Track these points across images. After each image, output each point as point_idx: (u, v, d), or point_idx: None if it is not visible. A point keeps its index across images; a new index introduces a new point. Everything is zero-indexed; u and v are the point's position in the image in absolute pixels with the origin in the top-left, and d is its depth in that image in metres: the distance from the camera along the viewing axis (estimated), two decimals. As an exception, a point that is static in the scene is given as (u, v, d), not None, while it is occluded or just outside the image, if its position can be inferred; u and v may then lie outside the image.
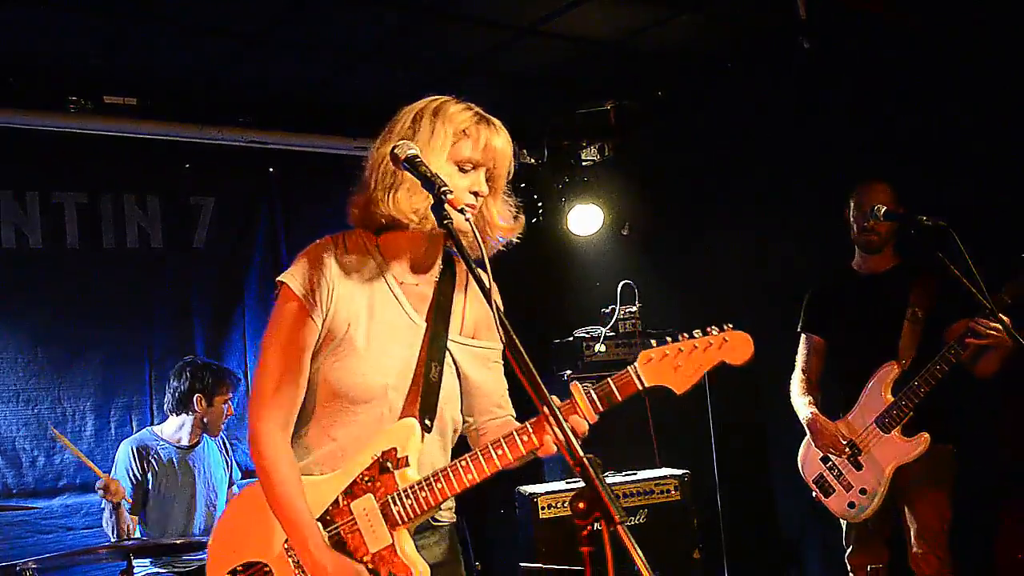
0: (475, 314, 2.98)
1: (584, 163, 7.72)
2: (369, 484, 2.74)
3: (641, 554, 2.06)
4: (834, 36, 5.75)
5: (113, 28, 5.50)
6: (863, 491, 4.93)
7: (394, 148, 2.61)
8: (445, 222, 2.48)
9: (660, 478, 5.97)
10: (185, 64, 6.07)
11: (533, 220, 7.47)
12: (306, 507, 2.74)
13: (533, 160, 7.59)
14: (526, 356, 2.30)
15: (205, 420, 5.66)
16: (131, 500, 5.36)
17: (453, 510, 3.01)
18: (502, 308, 2.43)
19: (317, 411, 2.83)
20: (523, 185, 7.37)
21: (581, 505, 2.31)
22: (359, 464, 2.77)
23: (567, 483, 5.92)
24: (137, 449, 5.54)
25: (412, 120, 2.81)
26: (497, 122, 2.85)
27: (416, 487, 2.71)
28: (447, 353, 2.87)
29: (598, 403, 2.67)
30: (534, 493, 5.75)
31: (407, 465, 2.72)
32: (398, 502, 2.71)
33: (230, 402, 5.71)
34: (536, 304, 7.25)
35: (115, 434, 6.14)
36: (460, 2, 5.56)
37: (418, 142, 2.70)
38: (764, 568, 6.77)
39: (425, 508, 2.70)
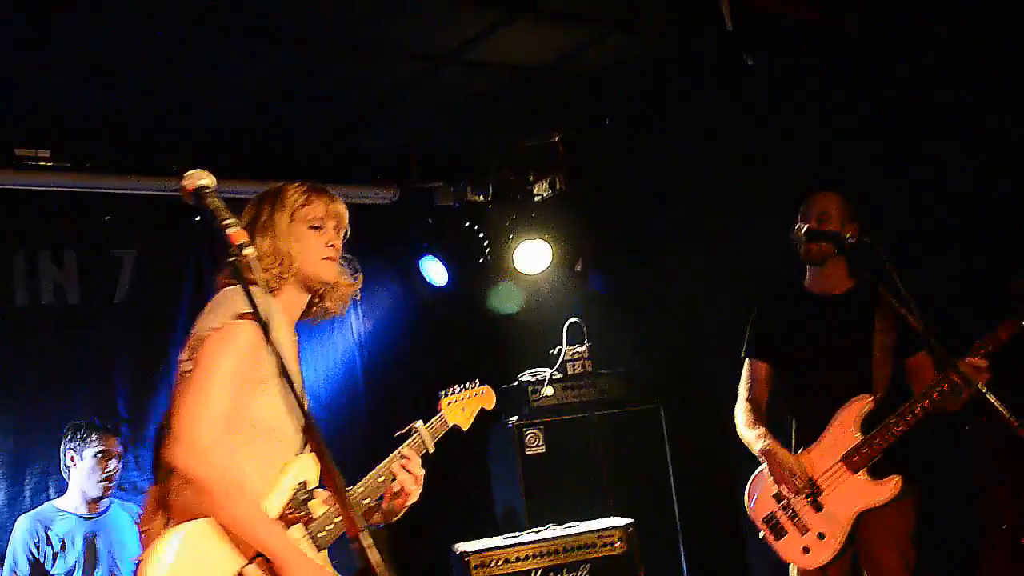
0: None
1: (535, 198, 7.39)
2: (294, 515, 2.94)
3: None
4: (774, 46, 5.44)
5: (21, 75, 5.26)
6: (821, 535, 4.46)
7: (183, 179, 2.67)
8: (230, 259, 2.45)
9: (603, 530, 5.57)
10: (99, 111, 5.80)
11: (480, 260, 7.16)
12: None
13: (479, 197, 7.27)
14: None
15: (84, 479, 5.29)
16: None
17: None
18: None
19: (242, 446, 2.91)
20: (467, 224, 7.11)
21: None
22: (281, 498, 2.94)
23: (504, 539, 5.52)
24: (34, 524, 5.21)
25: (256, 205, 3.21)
26: (330, 191, 3.27)
27: (331, 514, 3.00)
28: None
29: (432, 438, 3.44)
30: (465, 552, 5.36)
31: (315, 497, 3.00)
32: (321, 529, 2.97)
33: (114, 457, 5.35)
34: (484, 347, 6.97)
35: (30, 503, 5.77)
36: (373, 34, 5.26)
37: (268, 225, 3.12)
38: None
39: (342, 532, 2.95)
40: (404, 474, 3.21)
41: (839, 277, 4.66)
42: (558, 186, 7.34)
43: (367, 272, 7.04)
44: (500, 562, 5.35)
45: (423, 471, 3.27)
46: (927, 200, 5.14)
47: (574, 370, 6.54)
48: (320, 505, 3.02)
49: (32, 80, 5.34)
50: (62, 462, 5.40)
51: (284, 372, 2.43)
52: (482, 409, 6.72)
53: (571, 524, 5.62)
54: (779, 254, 4.88)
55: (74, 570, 5.22)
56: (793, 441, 4.69)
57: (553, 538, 5.48)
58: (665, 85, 6.19)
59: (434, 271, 7.05)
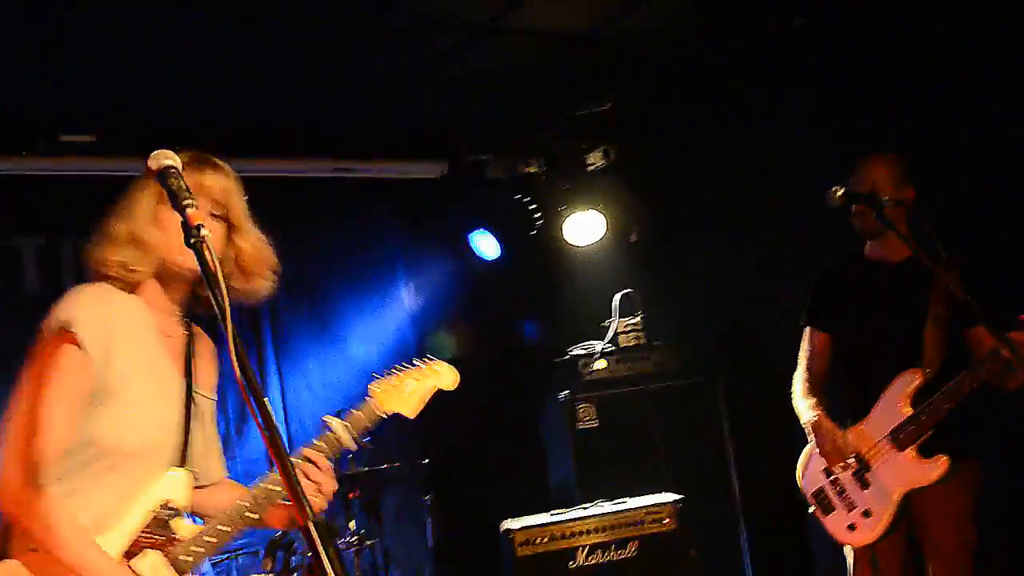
0: (203, 366, 2.97)
1: (588, 167, 7.23)
2: (151, 539, 2.69)
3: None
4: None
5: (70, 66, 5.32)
6: (867, 513, 4.25)
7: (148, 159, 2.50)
8: (192, 240, 2.28)
9: (652, 506, 5.42)
10: (139, 97, 5.83)
11: (531, 232, 7.04)
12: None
13: (531, 169, 7.14)
14: (270, 411, 2.16)
15: None
16: None
17: None
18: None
19: (78, 470, 2.65)
20: (518, 196, 7.01)
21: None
22: (135, 521, 2.68)
23: (550, 516, 5.41)
24: None
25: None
26: (214, 161, 2.88)
27: (201, 534, 2.72)
28: (193, 405, 2.87)
29: (354, 431, 2.88)
30: (510, 529, 5.27)
31: (181, 516, 2.76)
32: (184, 552, 2.70)
33: None
34: (536, 320, 6.89)
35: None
36: (398, 9, 5.16)
37: (126, 207, 2.78)
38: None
39: (211, 554, 2.73)
40: (303, 481, 2.74)
41: (896, 244, 4.35)
42: (612, 156, 7.17)
43: (417, 247, 7.15)
44: (546, 539, 5.24)
45: (331, 478, 2.79)
46: (988, 166, 4.87)
47: (627, 342, 6.39)
48: (185, 526, 2.76)
49: (70, 68, 5.39)
50: None
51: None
52: (523, 384, 6.75)
53: (620, 500, 5.49)
54: (839, 223, 4.65)
55: None
56: (846, 415, 4.49)
57: (600, 515, 5.36)
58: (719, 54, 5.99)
59: (485, 244, 6.96)
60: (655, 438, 6.14)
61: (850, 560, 4.42)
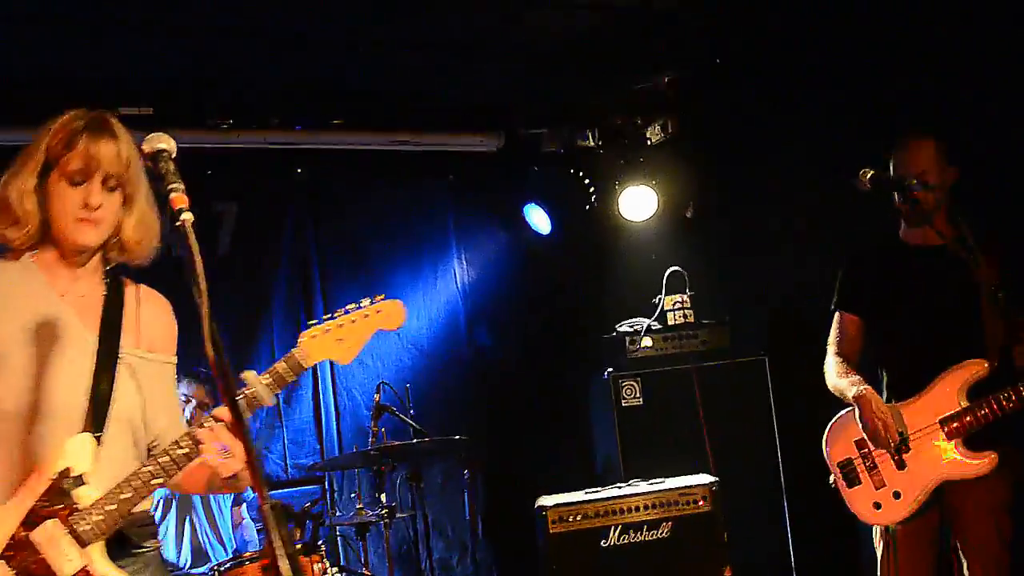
0: (150, 327, 2.92)
1: (647, 142, 7.13)
2: (49, 508, 2.61)
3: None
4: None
5: (123, 38, 5.41)
6: (896, 494, 4.17)
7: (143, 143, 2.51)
8: (176, 224, 2.39)
9: (686, 487, 5.36)
10: (197, 68, 5.91)
11: (585, 207, 6.99)
12: None
13: (588, 143, 7.09)
14: (233, 387, 2.30)
15: None
16: None
17: (156, 536, 2.93)
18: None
19: None
20: (573, 170, 6.97)
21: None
22: (33, 490, 2.62)
23: (585, 494, 5.40)
24: None
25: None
26: (112, 127, 2.77)
27: (101, 502, 2.62)
28: (120, 366, 2.79)
29: (274, 387, 2.72)
30: (544, 506, 5.27)
31: (84, 483, 2.64)
32: (84, 521, 2.61)
33: (199, 407, 5.50)
34: (588, 295, 6.86)
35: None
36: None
37: (14, 174, 2.73)
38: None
39: (113, 523, 2.63)
40: (207, 444, 2.60)
41: (940, 227, 4.28)
42: (670, 130, 7.07)
43: (471, 221, 7.17)
44: (579, 517, 5.23)
45: (236, 438, 2.56)
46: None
47: (675, 320, 6.33)
48: (87, 494, 2.64)
49: (124, 41, 5.47)
50: None
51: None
52: (572, 359, 6.73)
53: (655, 480, 5.44)
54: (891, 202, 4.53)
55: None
56: (883, 394, 4.38)
57: (633, 495, 5.31)
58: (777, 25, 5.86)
59: (538, 219, 6.94)
60: (700, 417, 6.07)
61: (877, 541, 4.35)
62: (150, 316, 2.93)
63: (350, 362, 2.84)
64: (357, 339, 2.81)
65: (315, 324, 2.79)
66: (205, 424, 2.61)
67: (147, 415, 2.84)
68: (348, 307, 2.83)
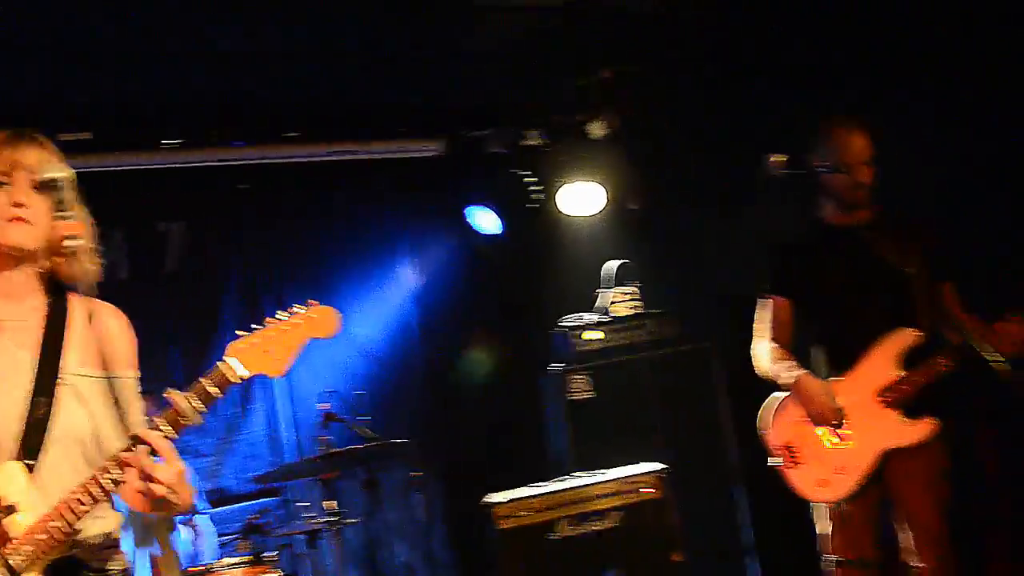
0: (103, 343, 2.78)
1: (590, 138, 7.20)
2: None
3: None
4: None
5: (60, 61, 5.42)
6: (841, 469, 4.23)
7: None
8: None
9: (633, 476, 5.43)
10: (138, 89, 5.95)
11: (532, 206, 7.05)
12: None
13: (532, 142, 7.14)
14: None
15: None
16: None
17: (125, 556, 2.78)
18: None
19: None
20: (517, 170, 7.02)
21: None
22: None
23: (531, 488, 5.45)
24: None
25: None
26: (35, 136, 2.73)
27: (32, 531, 2.51)
28: (63, 387, 2.66)
29: (199, 404, 2.57)
30: (492, 503, 5.32)
31: (15, 511, 2.53)
32: (16, 552, 2.50)
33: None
34: (539, 292, 6.91)
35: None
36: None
37: None
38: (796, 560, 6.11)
39: (47, 550, 2.51)
40: (129, 473, 2.51)
41: (862, 206, 4.42)
42: (613, 126, 7.13)
43: (420, 225, 7.22)
44: (527, 512, 5.28)
45: (169, 463, 2.51)
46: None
47: (623, 312, 6.39)
48: (18, 523, 2.53)
49: (65, 64, 5.50)
50: None
51: None
52: (524, 356, 6.76)
53: (602, 471, 5.50)
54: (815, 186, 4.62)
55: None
56: (822, 371, 4.45)
57: (581, 486, 5.39)
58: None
59: (485, 220, 6.98)
60: (651, 406, 6.13)
61: (819, 517, 4.43)
62: (102, 331, 2.81)
63: (283, 374, 2.68)
64: (286, 350, 2.66)
65: (243, 335, 2.65)
66: (134, 448, 2.51)
67: (101, 435, 2.72)
68: (278, 314, 2.69)
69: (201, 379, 2.58)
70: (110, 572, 2.71)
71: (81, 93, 5.85)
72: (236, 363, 2.60)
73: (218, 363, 2.60)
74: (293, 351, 2.65)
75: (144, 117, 6.29)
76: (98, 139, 6.17)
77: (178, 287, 6.50)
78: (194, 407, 2.54)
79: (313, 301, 2.70)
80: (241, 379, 2.61)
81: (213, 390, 2.57)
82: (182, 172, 6.41)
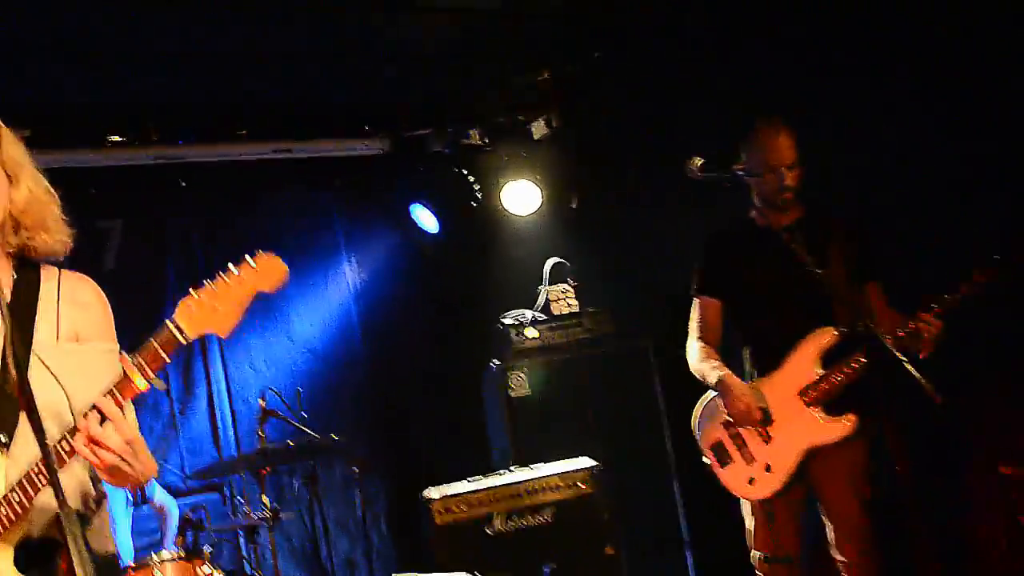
0: (76, 315, 2.74)
1: (531, 137, 7.27)
2: None
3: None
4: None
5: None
6: (768, 467, 4.35)
7: None
8: None
9: (567, 472, 5.54)
10: (77, 87, 5.94)
11: (472, 204, 7.11)
12: None
13: (473, 141, 7.20)
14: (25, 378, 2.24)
15: None
16: None
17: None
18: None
19: None
20: (458, 169, 7.07)
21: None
22: None
23: (467, 483, 5.54)
24: None
25: None
26: None
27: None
28: (32, 361, 2.58)
29: (147, 368, 2.48)
30: (429, 498, 5.40)
31: None
32: None
33: None
34: (479, 291, 6.97)
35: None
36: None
37: None
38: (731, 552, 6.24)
39: (8, 524, 2.49)
40: (77, 440, 2.47)
41: (788, 207, 4.52)
42: (553, 125, 7.20)
43: (361, 224, 7.27)
44: (463, 507, 5.37)
45: (112, 434, 2.45)
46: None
47: (560, 310, 6.47)
48: None
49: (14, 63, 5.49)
50: None
51: None
52: (463, 353, 6.83)
53: (536, 466, 5.59)
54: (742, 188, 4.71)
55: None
56: (748, 372, 4.57)
57: (515, 482, 5.48)
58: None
59: (425, 218, 7.04)
60: (590, 403, 6.23)
61: (746, 513, 4.54)
62: (74, 303, 2.77)
63: (230, 332, 2.55)
64: (234, 305, 2.54)
65: (191, 293, 2.53)
66: (87, 416, 2.46)
67: (75, 408, 2.61)
68: (229, 267, 2.54)
69: (151, 339, 2.49)
70: (92, 551, 2.65)
71: (18, 90, 5.83)
72: (183, 320, 2.51)
73: (166, 321, 2.49)
74: (241, 306, 2.55)
75: (86, 115, 6.28)
76: (36, 137, 6.15)
77: (118, 286, 6.46)
78: (138, 369, 2.46)
79: (259, 253, 2.55)
80: (187, 340, 2.52)
81: (162, 350, 2.48)
82: (123, 170, 6.38)
